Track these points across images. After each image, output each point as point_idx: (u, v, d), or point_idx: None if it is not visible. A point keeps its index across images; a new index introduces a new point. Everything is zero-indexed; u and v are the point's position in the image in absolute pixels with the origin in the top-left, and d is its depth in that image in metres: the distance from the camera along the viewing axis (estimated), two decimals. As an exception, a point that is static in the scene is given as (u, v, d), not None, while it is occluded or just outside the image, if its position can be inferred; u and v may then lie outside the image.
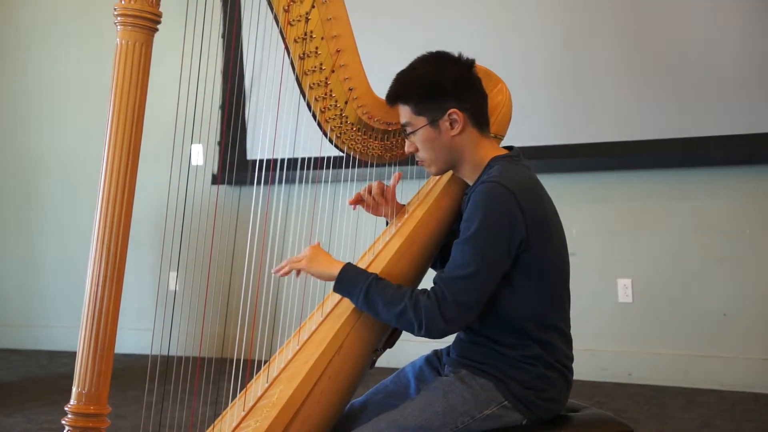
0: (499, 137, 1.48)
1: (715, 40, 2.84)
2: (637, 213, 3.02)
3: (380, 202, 1.47)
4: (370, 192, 1.47)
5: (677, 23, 2.90)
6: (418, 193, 1.49)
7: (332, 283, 1.33)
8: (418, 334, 1.25)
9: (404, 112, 1.35)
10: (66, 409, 1.14)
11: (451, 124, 1.31)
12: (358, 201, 1.48)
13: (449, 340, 1.43)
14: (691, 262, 2.92)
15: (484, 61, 1.49)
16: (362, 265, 1.38)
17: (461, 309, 1.23)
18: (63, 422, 1.14)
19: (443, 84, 1.31)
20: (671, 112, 2.90)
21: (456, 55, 1.35)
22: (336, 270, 1.31)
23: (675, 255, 2.95)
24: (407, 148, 1.38)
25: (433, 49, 1.36)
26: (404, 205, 1.50)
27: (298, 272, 1.37)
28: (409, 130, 1.35)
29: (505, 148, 1.39)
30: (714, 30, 2.84)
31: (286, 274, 1.37)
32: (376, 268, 1.34)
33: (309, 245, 1.36)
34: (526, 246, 1.25)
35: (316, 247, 1.36)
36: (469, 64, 1.35)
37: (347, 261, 1.34)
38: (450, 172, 1.44)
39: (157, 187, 1.39)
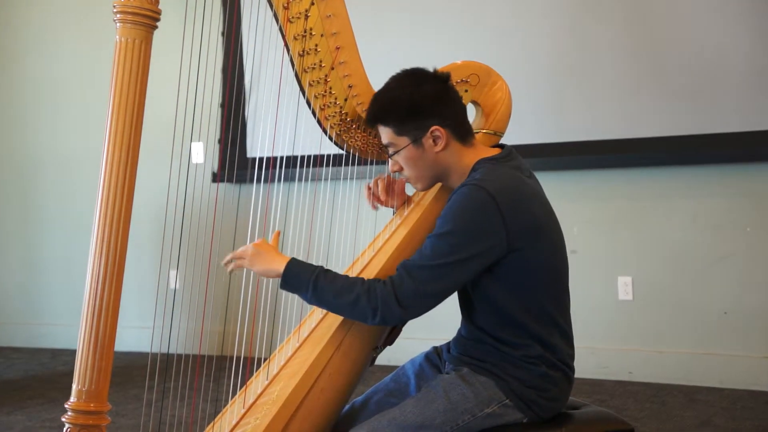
0: (498, 134, 1.47)
1: (715, 37, 2.83)
2: (638, 211, 3.02)
3: (390, 196, 1.47)
4: (377, 185, 1.47)
5: (677, 21, 2.90)
6: (410, 199, 1.49)
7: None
8: (372, 323, 1.23)
9: (385, 134, 1.33)
10: (66, 406, 1.15)
11: (434, 140, 1.30)
12: (369, 196, 1.47)
13: (449, 336, 1.43)
14: (691, 259, 2.92)
15: (483, 58, 1.49)
16: (362, 262, 1.38)
17: (419, 297, 1.21)
18: (63, 419, 1.14)
19: (421, 102, 1.30)
20: (672, 109, 2.89)
21: (431, 70, 1.34)
22: (281, 266, 1.26)
23: (675, 253, 2.94)
24: (391, 167, 1.37)
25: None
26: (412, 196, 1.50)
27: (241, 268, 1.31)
28: (391, 150, 1.34)
29: (499, 146, 1.39)
30: (715, 27, 2.83)
31: (232, 270, 1.32)
32: (376, 265, 1.34)
33: (254, 242, 1.31)
34: (509, 250, 1.24)
35: (260, 244, 1.31)
36: (445, 78, 1.34)
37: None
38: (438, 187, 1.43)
39: (158, 185, 1.39)
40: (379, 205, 1.50)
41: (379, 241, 1.42)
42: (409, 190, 1.49)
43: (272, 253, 1.29)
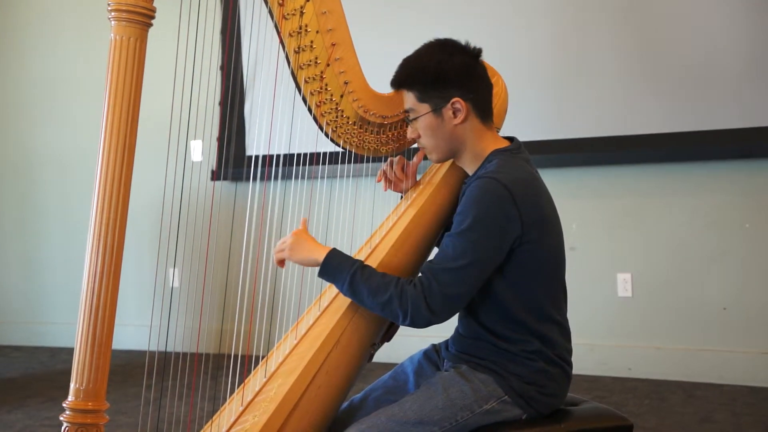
0: (496, 130, 1.47)
1: (714, 34, 2.82)
2: (637, 207, 3.02)
3: (401, 178, 1.47)
4: (392, 167, 1.47)
5: (676, 19, 2.89)
6: (418, 183, 1.49)
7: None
8: (402, 324, 1.25)
9: (408, 98, 1.34)
10: (64, 405, 1.14)
11: (454, 112, 1.31)
12: (382, 177, 1.47)
13: (447, 333, 1.43)
14: (690, 256, 2.92)
15: (483, 55, 1.48)
16: (360, 257, 1.38)
17: (447, 300, 1.22)
18: (61, 418, 1.14)
19: (448, 72, 1.30)
20: (670, 106, 2.89)
21: (463, 43, 1.34)
22: (321, 256, 1.29)
23: (675, 249, 2.94)
24: (409, 134, 1.37)
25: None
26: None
27: (283, 262, 1.34)
28: (412, 116, 1.34)
29: (507, 138, 1.39)
30: (713, 24, 2.83)
31: (281, 265, 1.34)
32: (374, 260, 1.34)
33: (292, 231, 1.33)
34: (521, 242, 1.25)
35: (300, 233, 1.33)
36: (476, 53, 1.34)
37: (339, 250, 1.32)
38: (449, 163, 1.44)
39: (158, 183, 1.39)
40: (389, 189, 1.50)
41: (376, 237, 1.42)
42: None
43: (312, 242, 1.32)
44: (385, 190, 1.49)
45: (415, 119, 1.34)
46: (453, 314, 1.27)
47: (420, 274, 1.25)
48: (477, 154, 1.33)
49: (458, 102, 1.30)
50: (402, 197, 1.49)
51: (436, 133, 1.32)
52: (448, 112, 1.31)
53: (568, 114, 3.04)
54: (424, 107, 1.32)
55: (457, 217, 1.26)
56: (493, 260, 1.24)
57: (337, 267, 1.28)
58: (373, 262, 1.33)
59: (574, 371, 1.35)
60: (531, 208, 1.26)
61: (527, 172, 1.31)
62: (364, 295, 1.25)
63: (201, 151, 3.43)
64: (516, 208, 1.23)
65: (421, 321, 1.23)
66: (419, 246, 1.38)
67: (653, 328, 2.95)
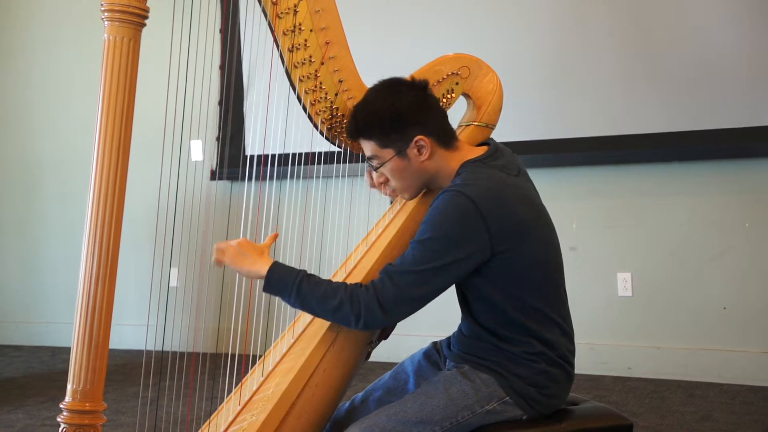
0: (490, 126, 1.47)
1: (712, 33, 2.82)
2: (637, 207, 3.01)
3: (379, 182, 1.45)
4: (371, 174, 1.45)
5: (674, 18, 2.89)
6: (393, 204, 1.48)
7: (330, 272, 1.33)
8: (355, 327, 1.23)
9: (368, 147, 1.33)
10: (61, 406, 1.14)
11: (419, 150, 1.30)
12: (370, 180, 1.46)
13: (447, 332, 1.42)
14: (690, 255, 2.91)
15: (481, 54, 1.48)
16: (355, 258, 1.38)
17: (403, 302, 1.21)
18: (59, 419, 1.14)
19: (403, 113, 1.29)
20: (669, 106, 2.88)
21: (408, 79, 1.34)
22: (263, 269, 1.26)
23: (675, 249, 2.94)
24: (377, 179, 1.37)
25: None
26: None
27: (221, 262, 1.30)
28: (376, 163, 1.33)
29: (484, 144, 1.38)
30: (711, 24, 2.82)
31: (219, 264, 1.30)
32: (369, 260, 1.34)
33: (237, 239, 1.29)
34: (492, 252, 1.23)
35: (243, 243, 1.29)
36: (423, 85, 1.33)
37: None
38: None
39: (156, 183, 1.39)
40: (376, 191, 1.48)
41: (372, 236, 1.42)
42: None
43: (254, 255, 1.28)
44: (386, 195, 1.48)
45: (380, 165, 1.33)
46: (406, 315, 1.25)
47: (378, 276, 1.24)
48: (450, 174, 1.32)
49: (422, 139, 1.29)
50: (391, 202, 1.48)
51: (404, 174, 1.32)
52: (412, 151, 1.30)
53: (567, 113, 3.03)
54: (388, 152, 1.31)
55: (420, 226, 1.26)
56: (454, 269, 1.23)
57: (281, 279, 1.25)
58: (368, 262, 1.33)
59: (575, 371, 1.34)
60: (501, 218, 1.24)
61: (497, 180, 1.28)
62: (313, 303, 1.24)
63: (201, 150, 3.43)
64: (482, 219, 1.22)
65: (373, 322, 1.22)
66: None
67: (653, 328, 2.95)
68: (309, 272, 1.27)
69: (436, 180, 1.34)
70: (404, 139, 1.30)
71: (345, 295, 1.22)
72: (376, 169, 1.35)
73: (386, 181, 1.36)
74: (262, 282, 1.27)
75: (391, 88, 1.32)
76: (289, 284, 1.24)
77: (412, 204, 1.42)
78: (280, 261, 1.29)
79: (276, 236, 1.36)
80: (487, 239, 1.22)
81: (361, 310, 1.21)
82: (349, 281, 1.33)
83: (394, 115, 1.29)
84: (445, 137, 1.33)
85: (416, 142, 1.30)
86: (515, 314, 1.26)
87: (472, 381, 1.26)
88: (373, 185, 1.46)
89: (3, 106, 4.04)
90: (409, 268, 1.21)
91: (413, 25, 3.12)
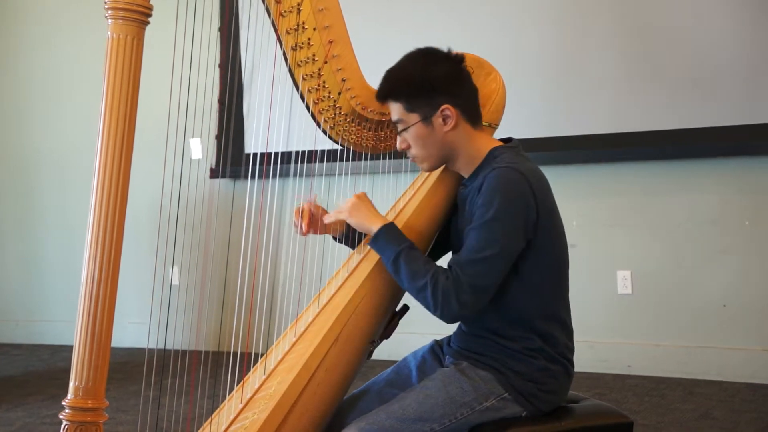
0: (493, 126, 1.47)
1: (712, 31, 2.82)
2: (637, 205, 3.02)
3: (316, 217, 1.42)
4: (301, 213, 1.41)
5: (674, 16, 2.89)
6: (412, 185, 1.48)
7: (333, 271, 1.34)
8: (433, 314, 1.25)
9: (395, 110, 1.34)
10: (63, 403, 1.14)
11: (443, 120, 1.30)
12: (308, 221, 1.41)
13: (448, 331, 1.43)
14: (690, 253, 2.92)
15: (481, 52, 1.49)
16: (357, 257, 1.38)
17: (475, 293, 1.22)
18: (61, 417, 1.14)
19: (435, 80, 1.30)
20: (670, 103, 2.88)
21: (445, 50, 1.34)
22: (376, 226, 1.31)
23: (674, 246, 2.94)
24: (399, 145, 1.37)
25: (425, 44, 1.35)
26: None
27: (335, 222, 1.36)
28: (401, 127, 1.34)
29: (504, 140, 1.39)
30: (711, 21, 2.82)
31: (332, 222, 1.37)
32: (376, 254, 1.34)
33: (354, 194, 1.36)
34: (536, 232, 1.25)
35: (363, 196, 1.36)
36: (459, 59, 1.34)
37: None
38: (443, 167, 1.43)
39: (157, 181, 1.39)
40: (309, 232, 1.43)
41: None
42: (398, 192, 1.49)
43: (371, 210, 1.34)
44: (305, 234, 1.42)
45: (404, 130, 1.33)
46: (480, 307, 1.26)
47: (448, 268, 1.25)
48: (472, 156, 1.33)
49: (448, 109, 1.30)
50: (333, 237, 1.45)
51: (426, 142, 1.32)
52: (437, 119, 1.30)
53: (568, 111, 3.03)
54: (413, 117, 1.31)
55: (479, 210, 1.26)
56: (516, 247, 1.25)
57: (388, 241, 1.29)
58: (372, 259, 1.33)
59: (574, 369, 1.35)
60: (543, 200, 1.27)
61: (535, 166, 1.32)
62: (404, 275, 1.27)
63: (200, 148, 3.43)
64: (533, 194, 1.25)
65: (449, 313, 1.23)
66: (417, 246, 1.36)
67: (653, 326, 2.95)
68: (413, 246, 1.29)
69: (458, 157, 1.34)
70: (431, 105, 1.30)
71: (431, 279, 1.23)
72: (399, 133, 1.35)
73: (408, 148, 1.35)
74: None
75: (426, 55, 1.33)
76: (393, 249, 1.28)
77: (414, 203, 1.41)
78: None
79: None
80: (536, 215, 1.25)
81: (440, 298, 1.22)
82: (350, 279, 1.33)
83: (425, 81, 1.30)
84: (473, 114, 1.34)
85: (442, 110, 1.30)
86: (521, 308, 1.27)
87: (470, 378, 1.27)
88: (301, 231, 1.41)
89: (2, 105, 4.04)
90: (476, 255, 1.22)
91: (416, 25, 3.12)
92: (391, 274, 1.30)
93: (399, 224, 1.35)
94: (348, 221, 1.35)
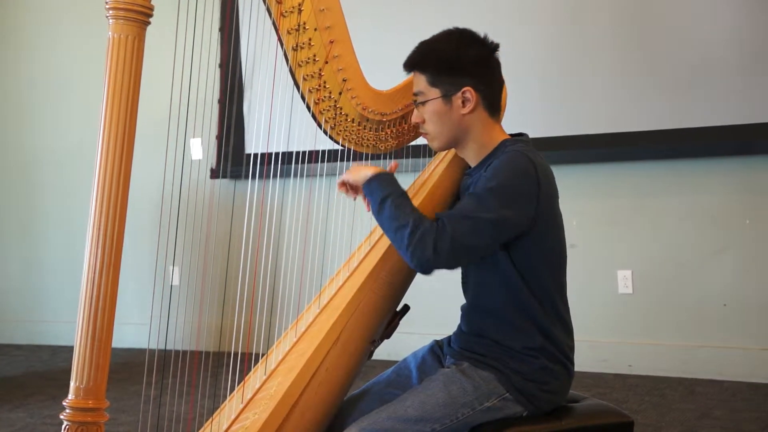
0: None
1: (712, 29, 2.82)
2: (638, 204, 3.02)
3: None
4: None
5: (674, 14, 2.89)
6: (418, 179, 1.48)
7: (333, 271, 1.33)
8: (404, 255, 1.22)
9: (419, 81, 1.33)
10: (64, 404, 1.14)
11: (463, 102, 1.30)
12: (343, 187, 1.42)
13: (448, 331, 1.43)
14: (691, 252, 2.92)
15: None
16: (359, 256, 1.38)
17: (454, 247, 1.19)
18: (61, 417, 1.14)
19: (463, 60, 1.30)
20: (671, 103, 2.88)
21: (482, 35, 1.34)
22: (372, 173, 1.31)
23: (675, 246, 2.94)
24: (414, 118, 1.36)
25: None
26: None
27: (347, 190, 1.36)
28: (420, 99, 1.33)
29: (516, 135, 1.38)
30: (711, 20, 2.82)
31: (350, 192, 1.36)
32: (376, 253, 1.34)
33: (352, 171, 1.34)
34: (534, 221, 1.25)
35: (359, 165, 1.35)
36: (494, 47, 1.34)
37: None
38: (451, 157, 1.43)
39: (157, 181, 1.39)
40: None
41: (375, 234, 1.42)
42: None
43: (369, 167, 1.33)
44: (354, 198, 1.44)
45: (422, 103, 1.33)
46: (456, 265, 1.25)
47: (435, 219, 1.24)
48: (483, 144, 1.33)
49: (469, 91, 1.30)
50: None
51: (442, 120, 1.32)
52: (457, 100, 1.30)
53: (568, 111, 3.03)
54: (434, 92, 1.31)
55: (481, 182, 1.26)
56: (510, 225, 1.23)
57: (380, 184, 1.28)
58: (375, 255, 1.33)
59: (575, 368, 1.35)
60: (546, 190, 1.27)
61: (544, 160, 1.33)
62: (386, 215, 1.25)
63: (200, 148, 3.43)
64: (537, 184, 1.25)
65: (421, 256, 1.20)
66: None
67: (654, 325, 2.95)
68: (405, 195, 1.28)
69: (469, 142, 1.34)
70: (455, 84, 1.30)
71: (413, 220, 1.22)
72: (417, 105, 1.35)
73: (422, 122, 1.35)
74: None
75: (462, 35, 1.33)
76: (381, 191, 1.27)
77: (432, 179, 1.41)
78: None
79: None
80: (535, 207, 1.25)
81: (416, 237, 1.20)
82: (350, 279, 1.33)
83: (453, 59, 1.30)
84: (493, 103, 1.34)
85: (464, 92, 1.30)
86: (524, 300, 1.27)
87: (471, 378, 1.26)
88: (350, 191, 1.42)
89: (4, 104, 4.04)
90: (469, 213, 1.21)
91: (416, 24, 3.10)
92: (375, 218, 1.28)
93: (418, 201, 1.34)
94: (350, 179, 1.34)
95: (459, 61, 1.30)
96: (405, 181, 1.49)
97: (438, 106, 1.31)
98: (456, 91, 1.30)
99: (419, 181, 1.46)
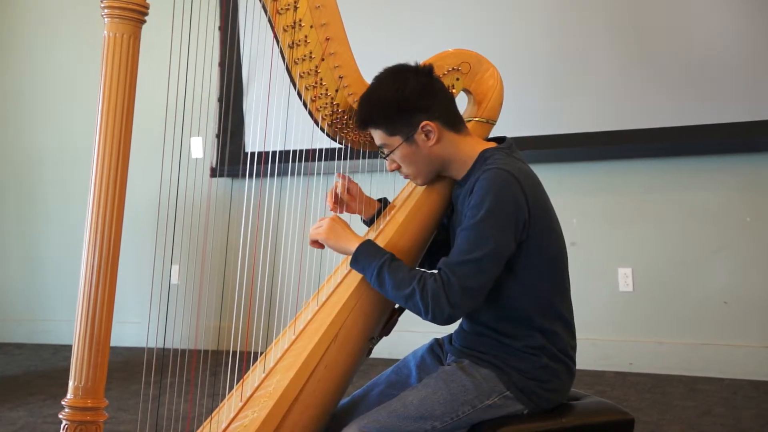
0: (491, 122, 1.46)
1: (714, 27, 2.81)
2: (638, 202, 3.01)
3: (350, 200, 1.46)
4: (337, 189, 1.45)
5: (676, 12, 2.88)
6: (406, 187, 1.48)
7: (332, 269, 1.33)
8: (425, 319, 1.24)
9: (377, 135, 1.34)
10: (63, 403, 1.14)
11: (426, 135, 1.31)
12: (336, 201, 1.46)
13: (450, 328, 1.43)
14: (691, 250, 2.91)
15: (479, 49, 1.48)
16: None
17: (466, 294, 1.21)
18: (61, 416, 1.14)
19: (409, 99, 1.30)
20: (671, 100, 2.88)
21: (413, 65, 1.34)
22: (353, 246, 1.30)
23: (675, 243, 2.94)
24: (389, 166, 1.37)
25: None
26: (375, 200, 1.49)
27: (317, 243, 1.36)
28: (386, 151, 1.34)
29: (496, 139, 1.39)
30: (713, 18, 2.82)
31: (315, 246, 1.36)
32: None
33: (328, 217, 1.35)
34: (528, 232, 1.25)
35: (335, 219, 1.35)
36: (428, 71, 1.34)
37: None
38: None
39: (156, 180, 1.39)
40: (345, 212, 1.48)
41: (371, 234, 1.41)
42: (394, 194, 1.48)
43: (348, 231, 1.34)
44: (341, 213, 1.46)
45: (390, 152, 1.34)
46: (472, 307, 1.26)
47: (437, 270, 1.25)
48: (463, 161, 1.33)
49: (428, 125, 1.30)
50: (361, 219, 1.48)
51: (415, 160, 1.33)
52: (420, 137, 1.30)
53: (569, 109, 3.03)
54: (396, 140, 1.32)
55: (469, 211, 1.25)
56: (506, 248, 1.24)
57: (367, 257, 1.29)
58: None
59: (576, 366, 1.34)
60: (536, 200, 1.27)
61: (526, 167, 1.32)
62: (389, 286, 1.25)
63: (200, 147, 3.43)
64: (524, 195, 1.24)
65: (441, 315, 1.22)
66: (411, 249, 1.36)
67: (654, 323, 2.95)
68: (394, 257, 1.28)
69: (449, 165, 1.35)
70: (411, 125, 1.30)
71: (418, 285, 1.23)
72: (385, 157, 1.35)
73: (398, 168, 1.36)
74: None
75: (395, 75, 1.33)
76: (374, 263, 1.27)
77: (412, 201, 1.41)
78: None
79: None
80: (527, 214, 1.25)
81: (429, 301, 1.21)
82: (349, 276, 1.33)
83: (399, 102, 1.30)
84: (453, 121, 1.34)
85: (423, 127, 1.30)
86: (522, 305, 1.27)
87: (472, 376, 1.27)
88: (338, 205, 1.45)
89: (3, 104, 4.04)
90: (467, 257, 1.21)
91: (413, 22, 3.12)
92: (378, 290, 1.28)
93: (381, 244, 1.34)
94: (326, 244, 1.34)
95: (406, 102, 1.30)
96: (403, 180, 1.49)
97: (405, 150, 1.32)
98: (415, 130, 1.30)
99: (404, 194, 1.44)
